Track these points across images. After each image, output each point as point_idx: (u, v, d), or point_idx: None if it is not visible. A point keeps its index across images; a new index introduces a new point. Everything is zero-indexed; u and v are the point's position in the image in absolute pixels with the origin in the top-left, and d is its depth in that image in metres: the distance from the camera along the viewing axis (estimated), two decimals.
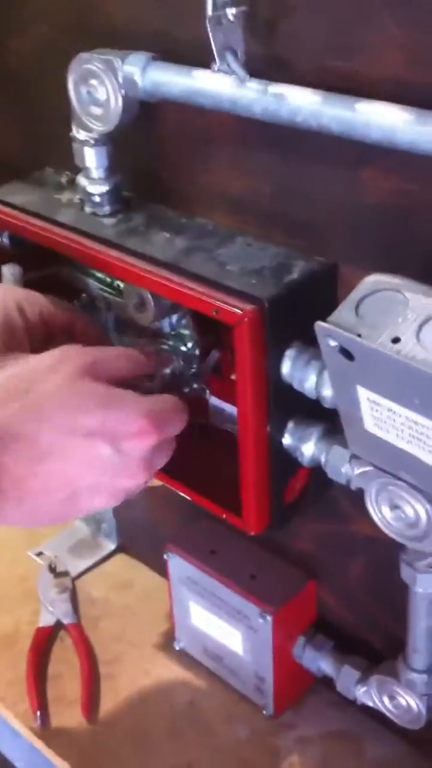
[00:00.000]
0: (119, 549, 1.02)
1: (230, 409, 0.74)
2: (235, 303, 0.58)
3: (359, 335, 0.49)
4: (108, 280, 0.73)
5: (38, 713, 0.84)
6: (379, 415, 0.53)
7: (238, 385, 0.61)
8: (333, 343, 0.51)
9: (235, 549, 0.83)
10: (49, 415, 0.54)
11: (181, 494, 0.72)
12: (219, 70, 0.58)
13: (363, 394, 0.53)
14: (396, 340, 0.48)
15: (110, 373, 0.58)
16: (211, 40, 0.56)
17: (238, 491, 0.66)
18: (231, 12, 0.55)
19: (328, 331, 0.50)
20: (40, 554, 1.02)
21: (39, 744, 0.84)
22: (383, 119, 0.49)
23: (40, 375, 0.56)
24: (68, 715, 0.85)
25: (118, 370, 0.59)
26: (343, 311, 0.51)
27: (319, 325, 0.50)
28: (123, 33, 0.67)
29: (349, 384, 0.53)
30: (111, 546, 1.02)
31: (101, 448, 0.55)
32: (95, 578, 1.00)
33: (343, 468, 0.62)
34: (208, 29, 0.55)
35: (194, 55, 0.60)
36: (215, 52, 0.57)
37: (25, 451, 0.53)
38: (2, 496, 0.53)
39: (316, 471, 0.68)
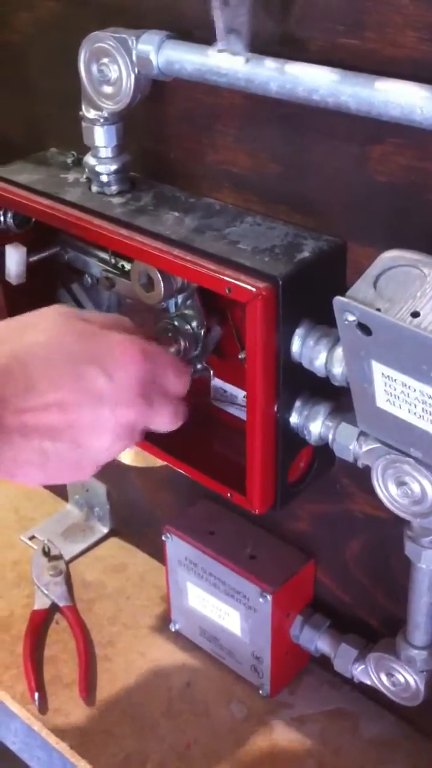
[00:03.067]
0: (112, 532, 1.03)
1: (232, 389, 0.75)
2: (248, 280, 0.59)
3: (378, 309, 0.50)
4: (112, 260, 0.74)
5: (36, 695, 0.85)
6: (392, 390, 0.54)
7: (248, 364, 0.62)
8: (351, 318, 0.51)
9: (233, 529, 0.84)
10: (41, 351, 0.55)
11: (186, 474, 0.72)
12: (222, 50, 0.58)
13: (377, 369, 0.54)
14: (415, 314, 0.49)
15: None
16: (215, 19, 0.56)
17: (242, 471, 0.67)
18: None
19: (347, 306, 0.51)
20: (32, 538, 1.02)
21: (37, 725, 0.84)
22: (402, 97, 0.50)
23: (38, 319, 0.58)
24: (65, 697, 0.86)
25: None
26: (362, 286, 0.51)
27: (338, 299, 0.51)
28: (130, 10, 0.67)
29: (364, 360, 0.54)
30: (104, 529, 1.02)
31: (93, 374, 0.56)
32: (88, 562, 1.00)
33: (351, 445, 0.63)
34: (213, 8, 0.55)
35: (204, 33, 0.60)
36: (218, 33, 0.57)
37: (20, 382, 0.54)
38: (5, 435, 0.53)
39: (320, 450, 0.69)
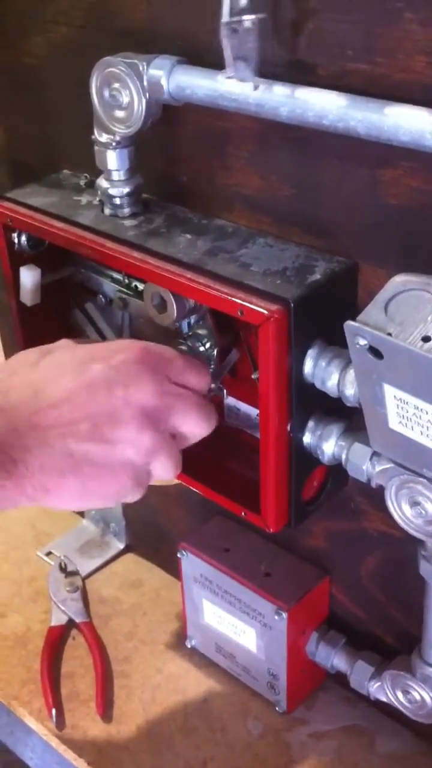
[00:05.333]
0: (128, 548, 1.03)
1: (246, 408, 0.75)
2: (260, 303, 0.59)
3: (389, 334, 0.50)
4: (126, 281, 0.74)
5: (53, 711, 0.85)
6: (404, 412, 0.54)
7: (261, 385, 0.62)
8: (362, 342, 0.52)
9: (248, 547, 0.84)
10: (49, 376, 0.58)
11: (200, 493, 0.73)
12: (231, 77, 0.58)
13: (389, 392, 0.54)
14: (426, 339, 0.49)
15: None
16: (224, 47, 0.56)
17: (256, 489, 0.67)
18: (248, 19, 0.56)
19: (358, 330, 0.51)
20: (48, 554, 1.02)
21: (54, 742, 0.84)
22: (412, 122, 0.50)
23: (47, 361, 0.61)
24: (82, 713, 0.86)
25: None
26: (373, 310, 0.52)
27: (349, 324, 0.51)
28: (142, 35, 0.68)
29: (376, 382, 0.54)
30: (120, 545, 1.03)
31: (92, 366, 0.57)
32: (104, 578, 1.00)
33: (364, 465, 0.63)
34: (222, 36, 0.56)
35: (214, 57, 0.60)
36: (227, 59, 0.57)
37: (25, 389, 0.56)
38: (22, 441, 0.54)
39: (333, 469, 0.69)
